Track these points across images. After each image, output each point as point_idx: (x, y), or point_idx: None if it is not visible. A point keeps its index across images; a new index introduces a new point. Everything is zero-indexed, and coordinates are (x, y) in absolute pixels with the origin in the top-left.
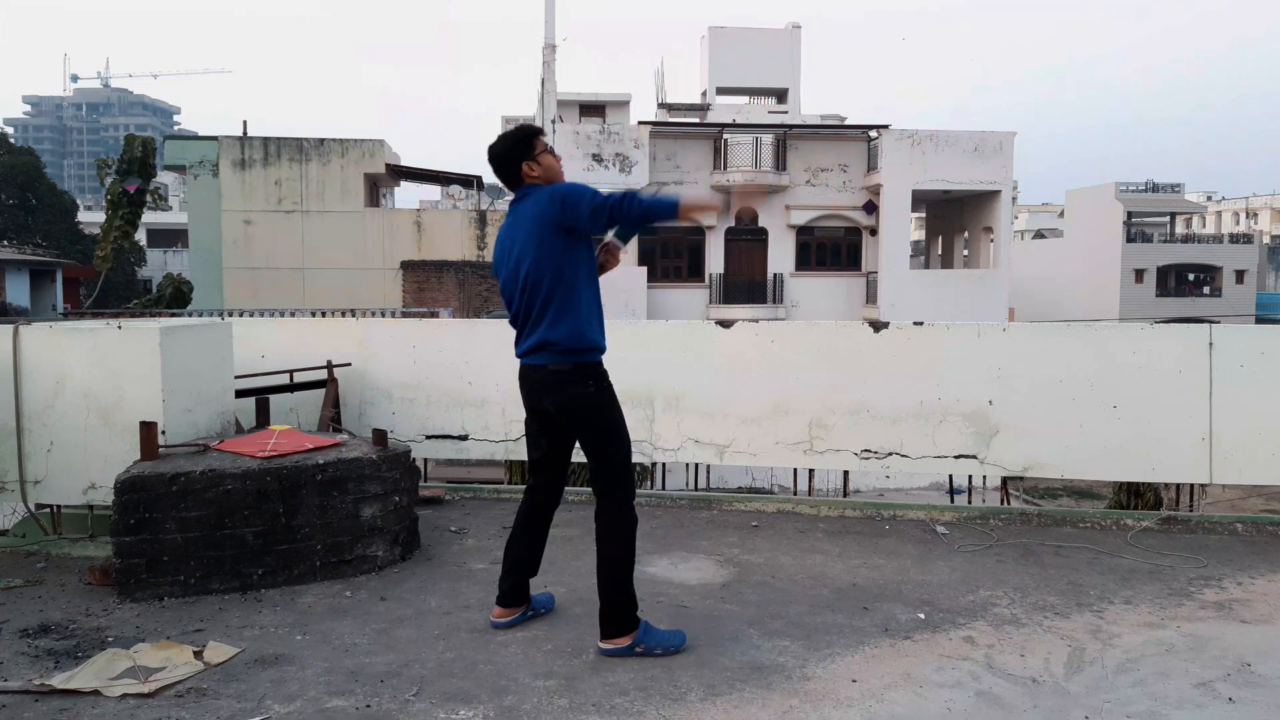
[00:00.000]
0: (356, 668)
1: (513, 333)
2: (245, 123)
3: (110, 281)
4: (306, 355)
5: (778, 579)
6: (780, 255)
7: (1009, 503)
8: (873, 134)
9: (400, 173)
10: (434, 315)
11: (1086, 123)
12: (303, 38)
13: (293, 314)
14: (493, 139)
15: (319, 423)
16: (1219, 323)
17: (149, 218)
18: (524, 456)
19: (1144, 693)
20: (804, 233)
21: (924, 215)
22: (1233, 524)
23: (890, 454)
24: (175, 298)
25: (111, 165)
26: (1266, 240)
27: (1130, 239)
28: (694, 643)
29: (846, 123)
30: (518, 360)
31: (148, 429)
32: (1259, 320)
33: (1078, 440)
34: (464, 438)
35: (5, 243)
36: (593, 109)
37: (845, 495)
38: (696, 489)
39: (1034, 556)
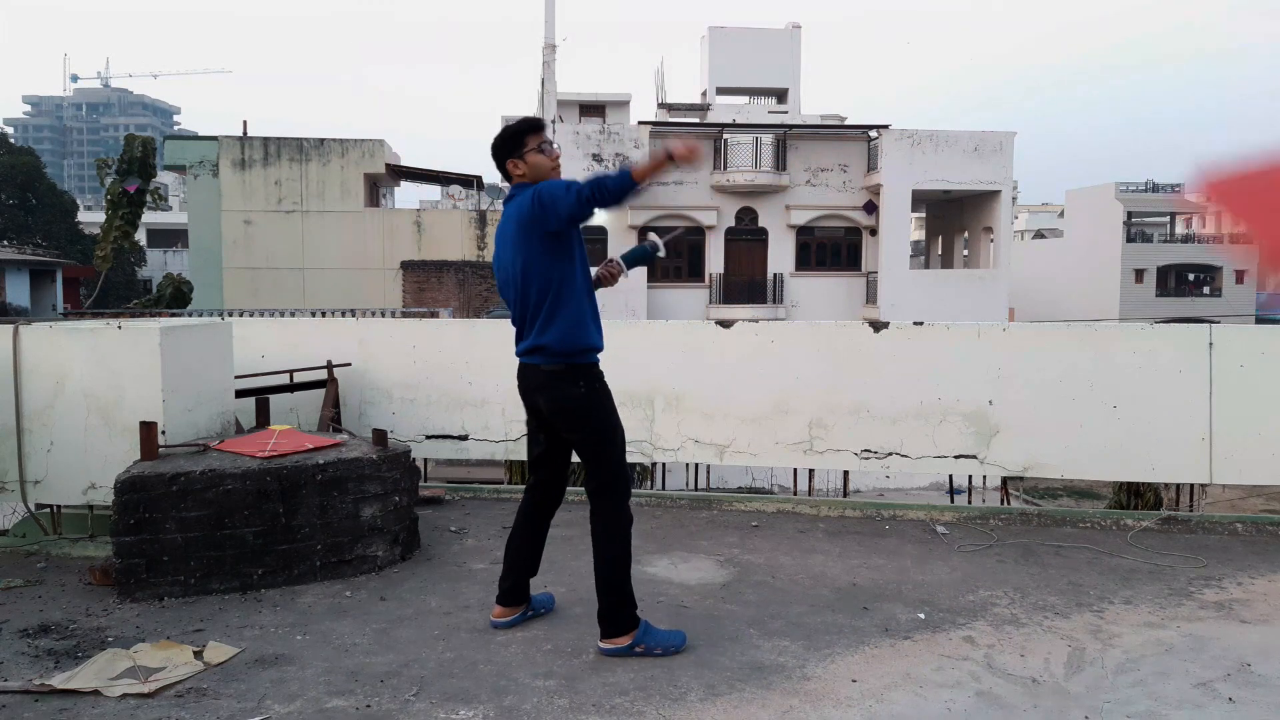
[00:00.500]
0: (356, 668)
1: (512, 332)
2: (245, 123)
3: (110, 281)
4: (306, 355)
5: (778, 579)
6: (780, 255)
7: (1009, 503)
8: (873, 134)
9: (400, 173)
10: (434, 315)
11: (1086, 123)
12: (303, 38)
13: (293, 314)
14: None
15: (319, 423)
16: (1219, 323)
17: (149, 218)
18: (524, 456)
19: (1144, 693)
20: (804, 233)
21: (924, 215)
22: (1233, 524)
23: (890, 454)
24: (175, 298)
25: (111, 165)
26: None
27: (1130, 239)
28: (694, 643)
29: (846, 123)
30: (517, 360)
31: (148, 429)
32: (1259, 320)
33: (1078, 440)
34: (464, 438)
35: (5, 243)
36: (593, 109)
37: (845, 495)
38: (696, 489)
39: (1034, 556)
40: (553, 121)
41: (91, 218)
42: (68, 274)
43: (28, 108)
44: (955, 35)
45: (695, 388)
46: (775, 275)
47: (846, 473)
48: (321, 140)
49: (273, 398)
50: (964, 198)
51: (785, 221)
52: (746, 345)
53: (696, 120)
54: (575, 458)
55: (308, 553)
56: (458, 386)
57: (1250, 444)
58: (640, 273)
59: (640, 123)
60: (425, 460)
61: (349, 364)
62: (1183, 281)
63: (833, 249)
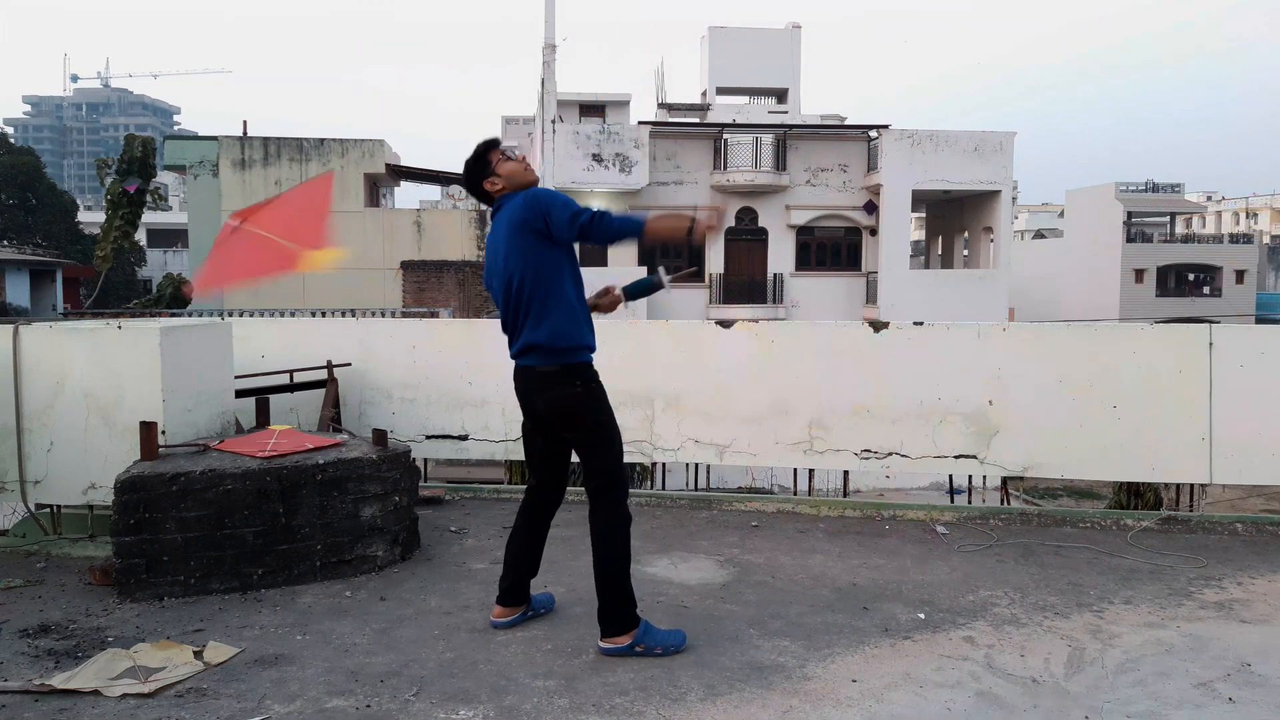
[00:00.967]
0: (356, 668)
1: None
2: (245, 123)
3: (110, 281)
4: (306, 355)
5: (778, 579)
6: (780, 255)
7: (1009, 503)
8: (873, 134)
9: (400, 173)
10: (434, 315)
11: (1086, 123)
12: (303, 38)
13: (293, 314)
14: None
15: (319, 423)
16: (1219, 323)
17: (149, 218)
18: (524, 457)
19: (1144, 693)
20: (804, 233)
21: (924, 215)
22: (1233, 524)
23: (890, 454)
24: (175, 298)
25: (111, 165)
26: (1266, 240)
27: (1130, 239)
28: (694, 643)
29: (846, 123)
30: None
31: (148, 429)
32: (1259, 320)
33: (1078, 440)
34: (464, 438)
35: (5, 243)
36: (593, 109)
37: (845, 495)
38: (696, 489)
39: (1034, 556)
40: (552, 121)
41: (91, 218)
42: (68, 274)
43: (28, 108)
44: (955, 35)
45: (695, 388)
46: (775, 275)
47: (846, 473)
48: (321, 140)
49: (273, 398)
50: (964, 198)
51: (785, 221)
52: (746, 345)
53: (696, 120)
54: (574, 458)
55: (308, 553)
56: (458, 386)
57: (1250, 444)
58: (640, 274)
59: (640, 123)
60: (425, 460)
61: (349, 364)
62: (1183, 281)
63: (833, 249)
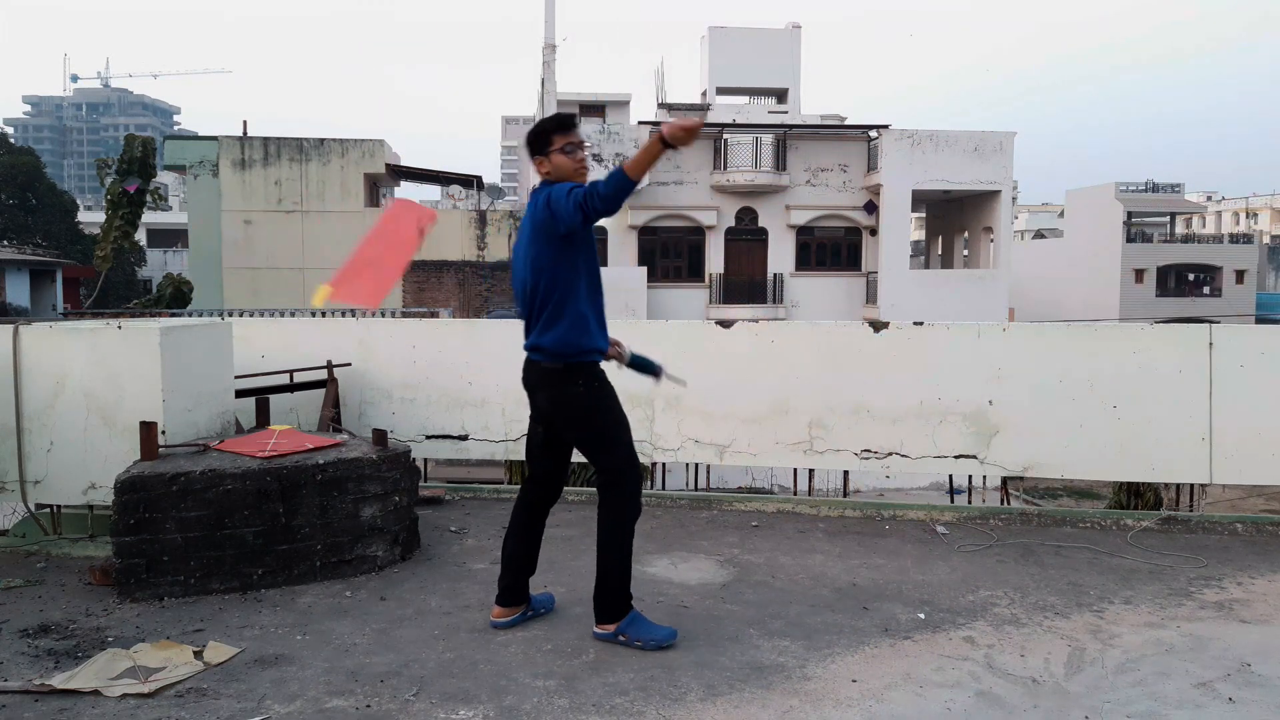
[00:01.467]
0: (356, 668)
1: (514, 331)
2: (245, 123)
3: (110, 281)
4: (306, 355)
5: (778, 579)
6: (780, 255)
7: (1009, 503)
8: (873, 134)
9: (400, 173)
10: (434, 315)
11: (1086, 123)
12: (302, 38)
13: (293, 314)
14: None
15: (319, 423)
16: (1219, 323)
17: (149, 218)
18: (524, 456)
19: (1144, 693)
20: (804, 233)
21: (924, 215)
22: (1233, 524)
23: (890, 454)
24: (175, 298)
25: (111, 165)
26: (1266, 240)
27: (1130, 239)
28: (694, 643)
29: (846, 123)
30: (522, 355)
31: (148, 429)
32: (1259, 320)
33: (1078, 440)
34: (464, 438)
35: (5, 243)
36: (593, 109)
37: (845, 495)
38: (696, 489)
39: (1034, 556)
40: None
41: (91, 218)
42: (68, 274)
43: (28, 108)
44: (955, 35)
45: (695, 388)
46: (775, 275)
47: (846, 473)
48: (321, 140)
49: (273, 398)
50: (964, 198)
51: (785, 221)
52: (746, 345)
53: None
54: (578, 456)
55: (308, 553)
56: (458, 386)
57: (1250, 444)
58: (640, 274)
59: (640, 123)
60: (425, 460)
61: (349, 364)
62: (1183, 281)
63: (833, 249)
